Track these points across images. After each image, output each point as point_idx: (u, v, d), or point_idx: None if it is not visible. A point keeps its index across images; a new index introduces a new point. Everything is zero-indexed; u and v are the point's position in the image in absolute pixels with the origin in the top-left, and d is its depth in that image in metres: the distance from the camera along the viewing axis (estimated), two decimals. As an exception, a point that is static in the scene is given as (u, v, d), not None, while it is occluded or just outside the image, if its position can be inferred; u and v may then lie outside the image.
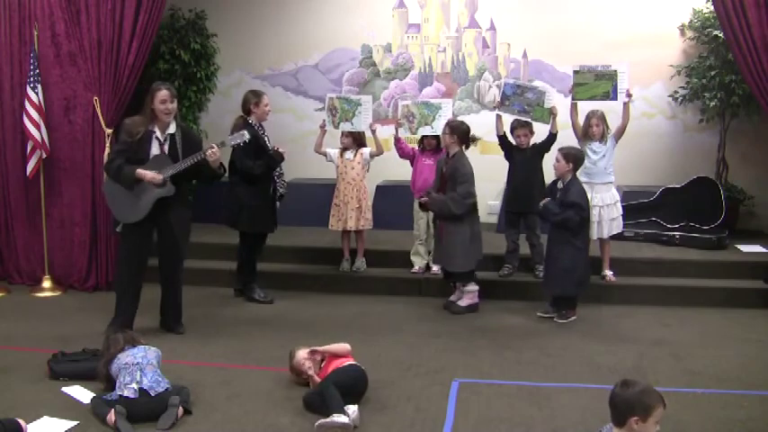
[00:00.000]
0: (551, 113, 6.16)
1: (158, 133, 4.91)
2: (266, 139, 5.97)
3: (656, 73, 7.76)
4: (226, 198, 6.00)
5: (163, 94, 4.83)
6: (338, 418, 3.54)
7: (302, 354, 4.18)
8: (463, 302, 5.81)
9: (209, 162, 4.88)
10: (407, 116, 6.42)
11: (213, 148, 4.88)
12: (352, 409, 3.66)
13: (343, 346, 4.19)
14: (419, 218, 6.42)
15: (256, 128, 5.88)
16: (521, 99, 6.24)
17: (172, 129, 4.95)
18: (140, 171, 4.81)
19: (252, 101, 5.91)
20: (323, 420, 3.56)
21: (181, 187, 4.98)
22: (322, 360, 4.18)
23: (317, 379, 4.02)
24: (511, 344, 5.05)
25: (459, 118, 7.42)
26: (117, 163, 4.85)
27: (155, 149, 4.90)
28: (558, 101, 7.03)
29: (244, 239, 6.08)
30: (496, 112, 6.41)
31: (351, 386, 3.87)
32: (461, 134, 5.72)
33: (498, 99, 6.49)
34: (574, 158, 5.54)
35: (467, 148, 5.82)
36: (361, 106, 6.42)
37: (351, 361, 4.10)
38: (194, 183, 6.30)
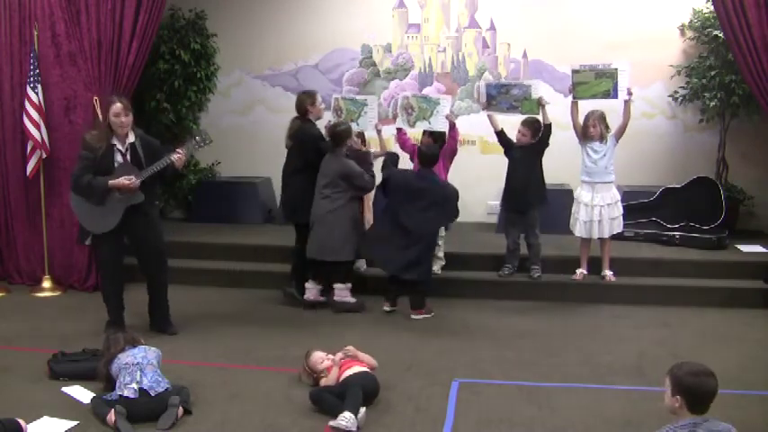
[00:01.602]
0: (540, 104, 6.13)
1: (119, 145, 4.91)
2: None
3: (656, 73, 7.74)
4: None
5: (116, 108, 4.83)
6: (347, 425, 3.55)
7: (320, 353, 4.22)
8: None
9: (176, 166, 4.96)
10: (407, 108, 6.39)
11: (179, 154, 4.93)
12: (361, 411, 3.68)
13: (372, 360, 4.23)
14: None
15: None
16: (506, 97, 6.20)
17: (131, 138, 4.95)
18: (113, 181, 4.80)
19: (307, 101, 5.98)
20: (332, 422, 3.59)
21: (146, 190, 4.95)
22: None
23: (334, 370, 4.02)
24: (511, 344, 5.05)
25: (460, 118, 7.44)
26: (86, 179, 4.84)
27: (118, 159, 4.90)
28: (558, 99, 7.05)
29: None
30: (486, 113, 6.39)
31: (369, 394, 3.89)
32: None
33: (484, 101, 6.45)
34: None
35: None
36: (367, 106, 6.39)
37: (366, 368, 4.10)
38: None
